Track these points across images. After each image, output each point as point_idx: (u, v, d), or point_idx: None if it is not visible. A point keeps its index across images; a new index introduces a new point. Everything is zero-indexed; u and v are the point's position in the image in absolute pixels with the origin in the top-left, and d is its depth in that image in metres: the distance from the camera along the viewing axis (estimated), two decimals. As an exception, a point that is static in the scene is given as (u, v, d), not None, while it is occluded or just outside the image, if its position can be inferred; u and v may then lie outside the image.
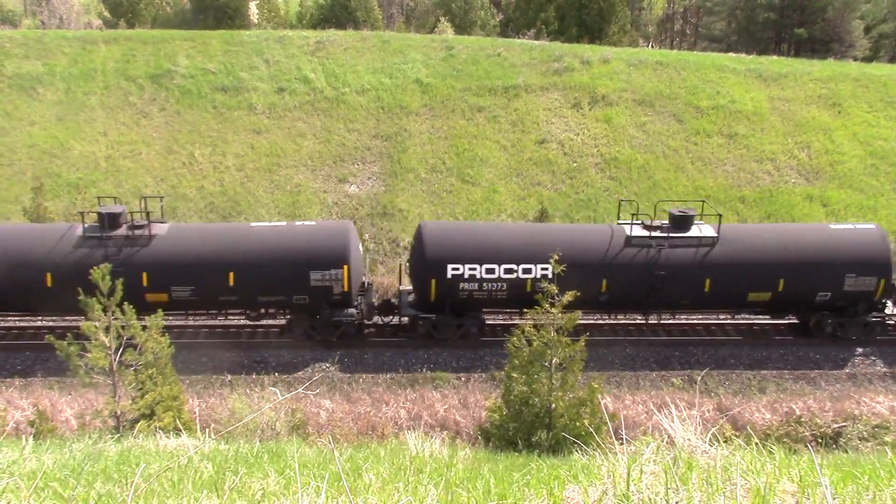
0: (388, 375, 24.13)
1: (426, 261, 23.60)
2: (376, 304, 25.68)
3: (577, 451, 8.63)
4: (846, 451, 18.52)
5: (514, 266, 23.44)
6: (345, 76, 40.68)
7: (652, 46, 72.97)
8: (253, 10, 59.96)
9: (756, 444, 5.52)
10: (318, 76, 40.63)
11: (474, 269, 23.40)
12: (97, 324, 14.79)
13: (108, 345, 14.89)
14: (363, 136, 37.46)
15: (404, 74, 40.95)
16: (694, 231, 24.52)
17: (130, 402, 15.59)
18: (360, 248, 25.31)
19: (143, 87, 39.33)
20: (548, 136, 37.61)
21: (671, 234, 24.28)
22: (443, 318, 24.56)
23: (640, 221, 24.84)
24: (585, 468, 5.94)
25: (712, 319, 27.18)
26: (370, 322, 25.70)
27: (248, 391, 22.49)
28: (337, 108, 38.84)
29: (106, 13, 64.40)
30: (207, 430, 9.10)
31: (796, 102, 40.43)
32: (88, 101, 38.26)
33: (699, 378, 24.06)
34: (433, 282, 23.62)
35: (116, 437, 11.57)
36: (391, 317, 26.00)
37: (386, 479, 5.42)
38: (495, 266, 23.43)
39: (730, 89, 40.91)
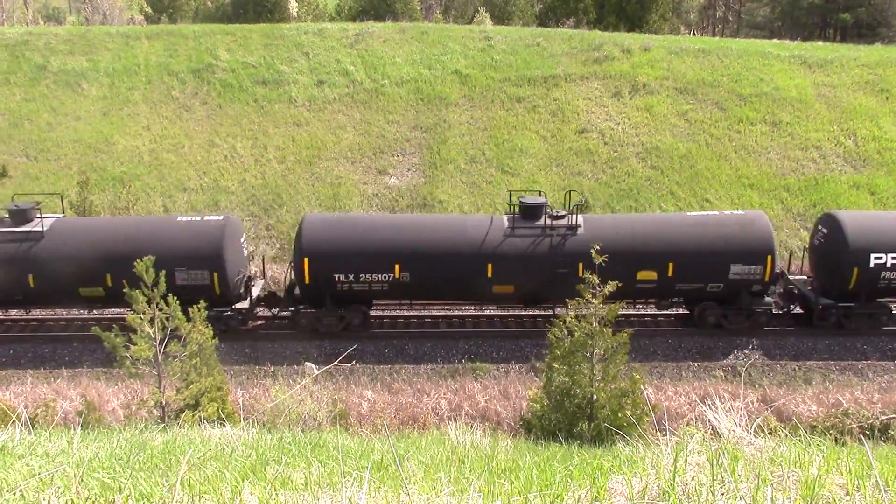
0: (429, 366, 24.20)
1: None
2: None
3: (619, 441, 8.58)
4: None
5: None
6: (384, 68, 40.74)
7: (693, 34, 72.09)
8: (292, 4, 60.31)
9: (803, 435, 5.43)
10: (358, 68, 40.74)
11: None
12: (142, 315, 15.01)
13: (153, 336, 15.11)
14: (402, 128, 37.51)
15: (443, 65, 40.91)
16: (27, 226, 23.72)
17: (175, 392, 15.80)
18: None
19: (185, 81, 39.76)
20: (588, 126, 37.34)
21: None
22: None
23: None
24: (629, 459, 5.89)
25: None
26: None
27: (290, 382, 22.68)
28: (376, 100, 38.93)
29: (148, 9, 65.24)
30: (250, 419, 9.20)
31: (842, 89, 39.66)
32: (132, 96, 38.78)
33: (743, 369, 23.77)
34: None
35: (162, 426, 11.73)
36: None
37: (428, 469, 5.42)
38: None
39: (773, 76, 40.26)
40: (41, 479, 3.99)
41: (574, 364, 15.87)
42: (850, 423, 20.75)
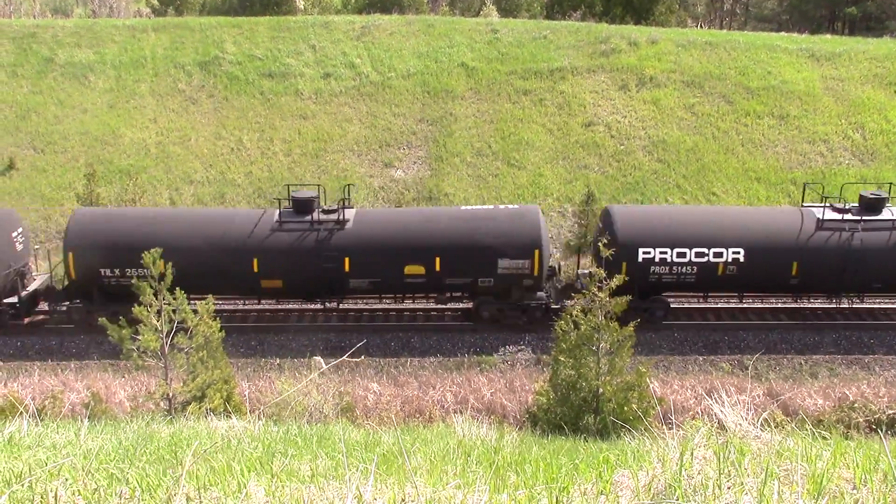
0: (435, 359, 24.22)
1: None
2: None
3: (625, 435, 8.58)
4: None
5: None
6: (390, 61, 40.69)
7: (701, 26, 71.82)
8: (299, -4, 60.15)
9: (810, 429, 5.42)
10: (364, 61, 40.70)
11: None
12: (149, 307, 15.04)
13: (159, 328, 15.14)
14: (409, 121, 37.47)
15: (450, 58, 40.83)
16: None
17: (182, 384, 15.85)
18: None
19: (191, 73, 39.76)
20: (594, 119, 37.26)
21: None
22: None
23: None
24: (635, 453, 5.89)
25: (765, 304, 26.81)
26: None
27: (296, 374, 22.73)
28: (382, 93, 38.89)
29: (154, 1, 65.18)
30: (257, 412, 9.23)
31: (850, 82, 39.49)
32: (138, 89, 38.80)
33: (750, 363, 23.74)
34: None
35: (168, 418, 11.76)
36: None
37: (434, 461, 5.42)
38: None
39: (781, 69, 40.10)
40: (49, 471, 4.01)
41: (580, 357, 15.88)
42: (857, 418, 20.73)
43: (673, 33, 44.28)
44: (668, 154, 35.38)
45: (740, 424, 5.75)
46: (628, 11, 56.72)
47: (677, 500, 3.36)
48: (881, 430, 19.92)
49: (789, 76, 39.61)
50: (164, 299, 15.23)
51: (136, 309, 15.15)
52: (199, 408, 14.82)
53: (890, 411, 21.18)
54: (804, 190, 27.41)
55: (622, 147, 35.84)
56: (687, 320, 26.09)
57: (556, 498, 3.37)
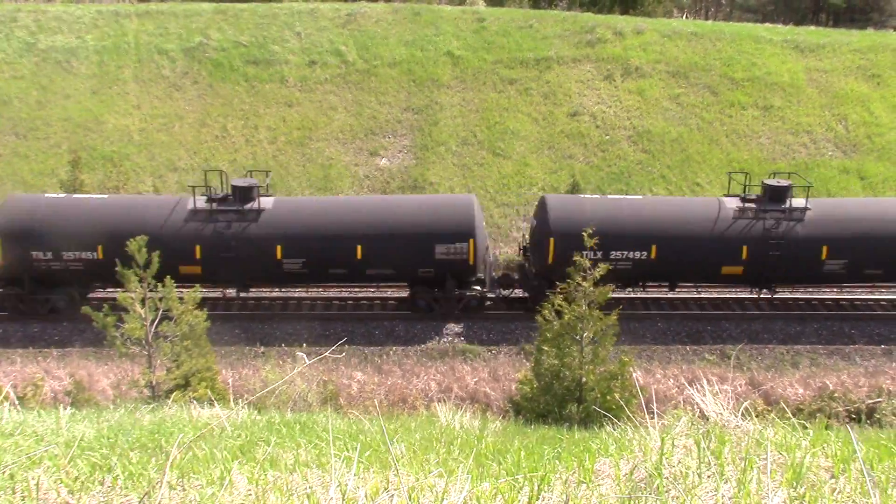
0: (419, 348, 24.24)
1: None
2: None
3: (607, 424, 8.62)
4: (881, 427, 18.35)
5: None
6: (376, 49, 40.53)
7: (686, 17, 71.88)
8: (284, -17, 59.67)
9: (790, 418, 5.47)
10: (350, 49, 40.52)
11: None
12: (133, 295, 14.99)
13: (144, 316, 15.09)
14: (394, 109, 37.37)
15: (436, 47, 40.72)
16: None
17: (166, 372, 15.81)
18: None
19: (175, 60, 39.47)
20: (580, 109, 37.28)
21: None
22: None
23: None
24: (617, 441, 5.93)
25: (746, 294, 26.95)
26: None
27: (280, 363, 22.70)
28: (368, 81, 38.75)
29: (138, -14, 64.59)
30: (240, 400, 9.22)
31: (834, 74, 39.67)
32: (122, 75, 38.49)
33: (732, 353, 23.89)
34: None
35: (152, 406, 11.73)
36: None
37: (417, 450, 5.45)
38: None
39: (766, 61, 40.23)
40: (31, 458, 4.00)
41: (563, 346, 15.93)
42: (837, 407, 20.93)
43: (658, 24, 44.32)
44: (652, 145, 35.47)
45: (721, 414, 5.79)
46: (615, 1, 56.69)
47: (657, 488, 3.39)
48: (860, 420, 20.11)
49: (774, 67, 39.75)
50: (148, 287, 15.18)
51: (120, 296, 15.09)
52: (183, 396, 14.79)
53: (869, 401, 21.38)
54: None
55: (607, 137, 35.90)
56: (671, 310, 26.23)
57: (538, 486, 3.39)
